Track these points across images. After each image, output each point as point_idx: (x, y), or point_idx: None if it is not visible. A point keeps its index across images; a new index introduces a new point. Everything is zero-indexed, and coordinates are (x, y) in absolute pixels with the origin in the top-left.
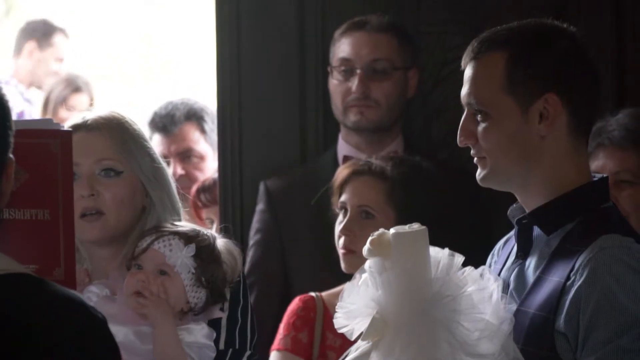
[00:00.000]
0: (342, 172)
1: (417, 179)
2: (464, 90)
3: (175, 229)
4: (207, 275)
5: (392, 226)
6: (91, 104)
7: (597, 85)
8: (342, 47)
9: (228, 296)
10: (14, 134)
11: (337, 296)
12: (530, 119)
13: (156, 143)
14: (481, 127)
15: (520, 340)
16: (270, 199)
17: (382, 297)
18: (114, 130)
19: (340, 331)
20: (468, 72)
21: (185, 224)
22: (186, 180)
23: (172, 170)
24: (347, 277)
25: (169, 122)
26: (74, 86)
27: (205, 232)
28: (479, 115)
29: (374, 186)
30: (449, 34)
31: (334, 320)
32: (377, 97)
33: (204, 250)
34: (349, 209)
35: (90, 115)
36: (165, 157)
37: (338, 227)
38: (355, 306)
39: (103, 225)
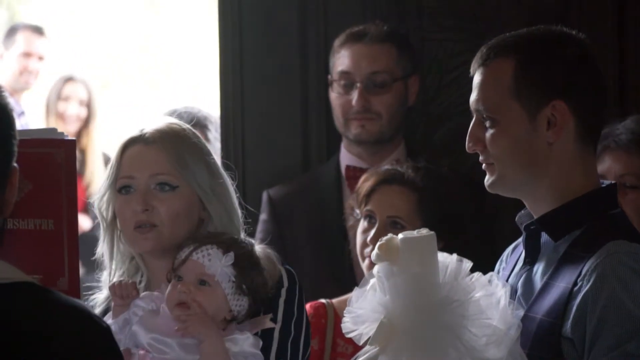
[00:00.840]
0: (368, 180)
1: (443, 190)
2: (473, 97)
3: (212, 237)
4: (248, 283)
5: None
6: (88, 94)
7: (605, 92)
8: (342, 60)
9: (270, 302)
10: (18, 143)
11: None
12: (538, 125)
13: None
14: (489, 133)
15: (527, 345)
16: (272, 208)
17: (389, 302)
18: (171, 144)
19: (348, 336)
20: (477, 79)
21: (222, 233)
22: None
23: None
24: (350, 284)
25: None
26: (66, 77)
27: (243, 240)
28: (487, 122)
29: (404, 196)
30: (452, 41)
31: (342, 325)
32: (378, 109)
33: (242, 257)
34: (377, 219)
35: (148, 128)
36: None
37: (361, 236)
38: (363, 311)
39: (156, 237)
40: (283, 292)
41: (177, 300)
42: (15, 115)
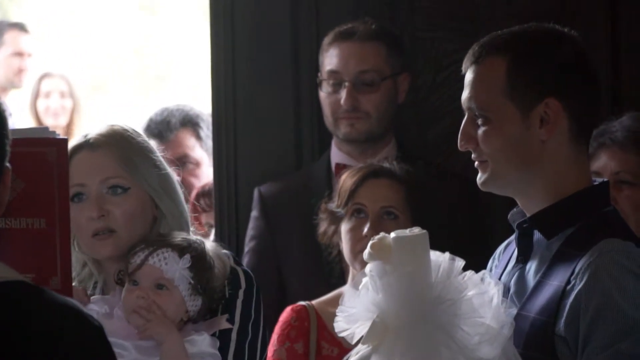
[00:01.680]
0: (352, 176)
1: (430, 183)
2: (465, 95)
3: (166, 240)
4: (203, 283)
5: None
6: (68, 85)
7: (598, 90)
8: (330, 59)
9: (227, 303)
10: (10, 143)
11: (328, 304)
12: (531, 123)
13: None
14: (482, 131)
15: (520, 344)
16: (263, 206)
17: (382, 301)
18: (117, 147)
19: (340, 335)
20: (469, 77)
21: (174, 234)
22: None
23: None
24: (339, 283)
25: (164, 128)
26: (42, 74)
27: (195, 240)
28: (480, 120)
29: (394, 188)
30: (444, 39)
31: (335, 324)
32: (367, 108)
33: (197, 259)
34: (369, 212)
35: (92, 133)
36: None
37: (352, 233)
38: (355, 310)
39: (115, 243)
40: (240, 293)
41: (135, 305)
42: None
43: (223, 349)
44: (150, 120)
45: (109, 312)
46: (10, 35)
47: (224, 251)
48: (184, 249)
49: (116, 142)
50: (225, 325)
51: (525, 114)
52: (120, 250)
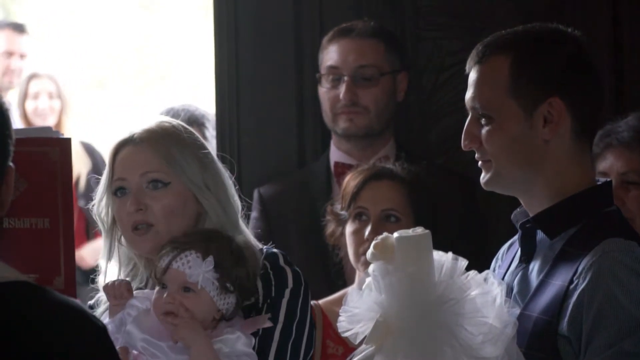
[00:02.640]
0: (354, 179)
1: (431, 183)
2: (468, 94)
3: (190, 241)
4: (232, 280)
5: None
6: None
7: (601, 89)
8: (330, 55)
9: (260, 291)
10: (14, 142)
11: (334, 303)
12: (535, 123)
13: None
14: (485, 130)
15: (523, 343)
16: (263, 206)
17: (385, 301)
18: (159, 142)
19: (344, 335)
20: (472, 76)
21: (200, 231)
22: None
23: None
24: (344, 284)
25: None
26: (30, 75)
27: (221, 237)
28: (483, 119)
29: (395, 190)
30: (447, 39)
31: (338, 324)
32: (366, 103)
33: (223, 257)
34: (370, 215)
35: (137, 129)
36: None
37: (355, 236)
38: (358, 310)
39: (154, 237)
40: (287, 292)
41: (164, 310)
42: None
43: (265, 348)
44: None
45: (149, 309)
46: (3, 34)
47: (275, 250)
48: (207, 249)
49: (159, 137)
50: (267, 324)
51: (529, 113)
52: (159, 245)
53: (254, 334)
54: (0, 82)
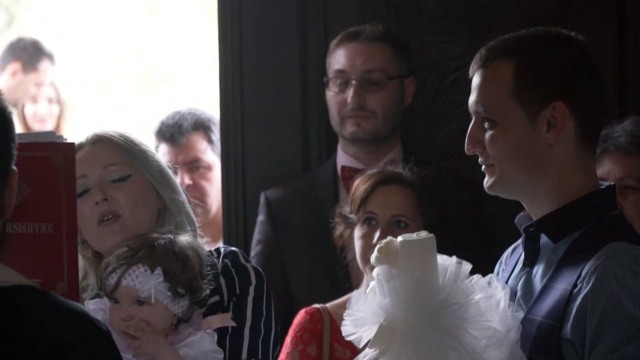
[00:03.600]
0: (364, 183)
1: (439, 189)
2: (472, 98)
3: (135, 254)
4: (182, 284)
5: None
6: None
7: (605, 93)
8: (337, 59)
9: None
10: (17, 146)
11: (342, 307)
12: (538, 127)
13: (163, 153)
14: (489, 135)
15: (527, 348)
16: (269, 210)
17: (389, 304)
18: (116, 139)
19: (348, 339)
20: (476, 80)
21: (141, 240)
22: (193, 190)
23: (179, 180)
24: (350, 287)
25: (176, 131)
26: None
27: (161, 240)
28: (487, 123)
29: (405, 195)
30: (451, 43)
31: (342, 328)
32: (373, 107)
33: (169, 264)
34: (379, 220)
35: (92, 133)
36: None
37: (363, 240)
38: (362, 314)
39: (122, 228)
40: (251, 289)
41: (120, 328)
42: None
43: (236, 347)
44: (162, 123)
45: (106, 319)
46: (43, 65)
47: (233, 249)
48: (154, 259)
49: (114, 134)
50: (230, 322)
51: (532, 117)
52: (127, 236)
53: (224, 334)
54: (15, 100)
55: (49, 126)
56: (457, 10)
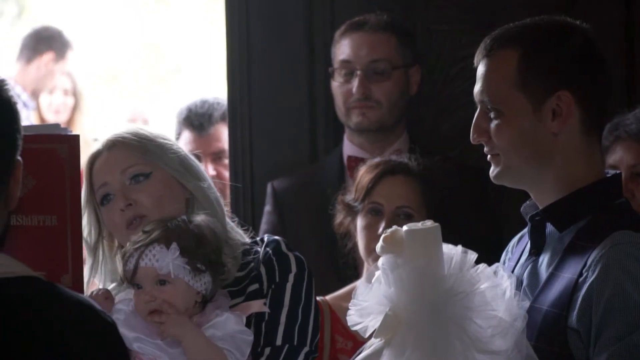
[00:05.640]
0: (370, 172)
1: (445, 179)
2: (477, 88)
3: (148, 236)
4: (201, 259)
5: None
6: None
7: (609, 82)
8: (342, 49)
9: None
10: (22, 137)
11: (342, 298)
12: (543, 116)
13: (187, 140)
14: (494, 124)
15: (533, 337)
16: (276, 200)
17: (394, 294)
18: (129, 139)
19: (353, 329)
20: (481, 70)
21: (155, 223)
22: (217, 180)
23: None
24: (352, 279)
25: (205, 120)
26: None
27: (176, 222)
28: (492, 113)
29: (410, 186)
30: (458, 32)
31: (347, 318)
32: (379, 97)
33: (184, 240)
34: (384, 211)
35: (103, 137)
36: (195, 155)
37: (367, 231)
38: (368, 303)
39: None
40: (291, 277)
41: (147, 310)
42: (25, 109)
43: (272, 331)
44: (190, 110)
45: (133, 311)
46: (70, 55)
47: (276, 237)
48: (168, 237)
49: (128, 135)
50: (262, 308)
51: (537, 106)
52: None
53: (260, 320)
54: (38, 82)
55: (62, 117)
56: None
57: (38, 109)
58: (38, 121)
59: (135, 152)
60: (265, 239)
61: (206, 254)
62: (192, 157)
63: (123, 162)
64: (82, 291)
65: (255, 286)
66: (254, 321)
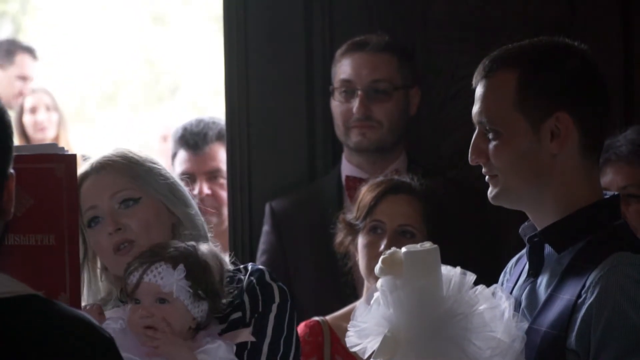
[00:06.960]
0: (371, 191)
1: (445, 199)
2: (475, 109)
3: (158, 253)
4: (203, 287)
5: None
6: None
7: (607, 102)
8: (343, 68)
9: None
10: (17, 158)
11: (342, 319)
12: (542, 137)
13: (182, 160)
14: (492, 145)
15: (531, 358)
16: (274, 220)
17: (393, 315)
18: (119, 163)
19: (352, 350)
20: (479, 91)
21: (164, 244)
22: (212, 200)
23: (198, 188)
24: (351, 299)
25: (201, 140)
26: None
27: (185, 246)
28: (490, 134)
29: (412, 205)
30: (457, 52)
31: (346, 339)
32: (379, 117)
33: (192, 265)
34: (386, 229)
35: (93, 158)
36: (191, 174)
37: (368, 249)
38: (366, 325)
39: (136, 254)
40: (274, 307)
41: (143, 324)
42: None
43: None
44: (185, 130)
45: (125, 327)
46: (20, 58)
47: (260, 267)
48: (176, 258)
49: (118, 159)
50: (249, 338)
51: (536, 127)
52: None
53: (243, 349)
54: (9, 103)
55: (50, 134)
56: (463, 18)
57: (22, 129)
58: (23, 142)
59: (124, 176)
60: (250, 267)
61: (209, 282)
62: (180, 183)
63: (112, 186)
64: (79, 310)
65: (237, 314)
66: (236, 350)
